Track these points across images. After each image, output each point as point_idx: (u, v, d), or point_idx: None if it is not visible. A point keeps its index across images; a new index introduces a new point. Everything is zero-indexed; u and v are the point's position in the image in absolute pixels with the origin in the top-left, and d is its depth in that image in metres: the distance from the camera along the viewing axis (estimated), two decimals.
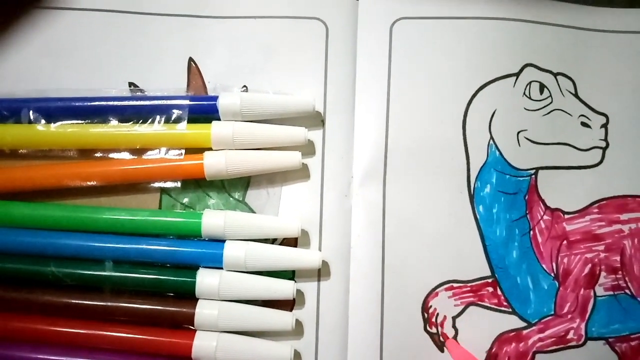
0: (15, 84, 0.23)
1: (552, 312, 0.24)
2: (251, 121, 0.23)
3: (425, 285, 0.24)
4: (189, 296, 0.22)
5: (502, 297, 0.24)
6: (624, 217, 0.24)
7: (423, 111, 0.24)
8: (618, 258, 0.24)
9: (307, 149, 0.24)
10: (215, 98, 0.23)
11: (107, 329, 0.21)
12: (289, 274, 0.23)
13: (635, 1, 0.26)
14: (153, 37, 0.25)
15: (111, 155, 0.23)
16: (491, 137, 0.24)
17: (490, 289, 0.24)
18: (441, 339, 0.23)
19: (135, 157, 0.23)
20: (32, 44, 0.24)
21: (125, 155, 0.23)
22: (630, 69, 0.26)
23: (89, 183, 0.22)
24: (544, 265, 0.24)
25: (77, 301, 0.22)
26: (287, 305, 0.23)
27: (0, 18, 0.24)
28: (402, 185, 0.24)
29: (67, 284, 0.22)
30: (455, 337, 0.23)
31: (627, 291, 0.24)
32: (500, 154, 0.24)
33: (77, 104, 0.23)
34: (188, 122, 0.23)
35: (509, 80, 0.25)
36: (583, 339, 0.23)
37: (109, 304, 0.22)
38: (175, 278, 0.22)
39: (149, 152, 0.23)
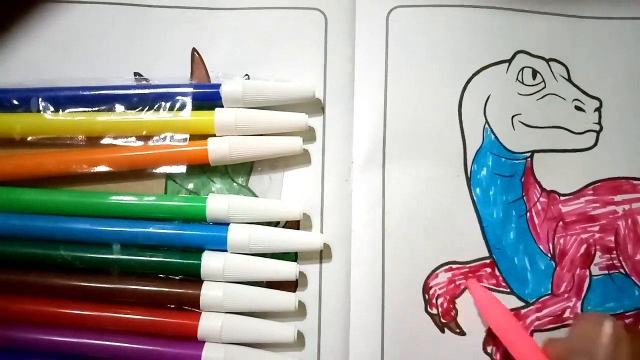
0: (24, 74, 0.24)
1: (549, 292, 0.24)
2: (253, 108, 0.24)
3: (425, 267, 0.24)
4: (195, 278, 0.23)
5: (500, 278, 0.24)
6: (617, 198, 0.25)
7: (420, 97, 0.25)
8: (612, 238, 0.25)
9: (308, 134, 0.25)
10: (218, 86, 0.24)
11: (115, 310, 0.22)
12: (292, 257, 0.24)
13: None
14: (158, 29, 0.25)
15: (118, 141, 0.23)
16: (486, 121, 0.25)
17: (489, 270, 0.24)
18: (442, 319, 0.24)
19: (142, 143, 0.23)
20: (41, 36, 0.25)
21: (132, 142, 0.23)
22: (622, 55, 0.26)
23: (96, 169, 0.23)
24: (540, 246, 0.25)
25: (85, 284, 0.22)
26: (290, 286, 0.23)
27: (10, 11, 0.25)
28: (401, 170, 0.25)
29: (76, 266, 0.22)
30: (455, 317, 0.24)
31: (621, 270, 0.24)
32: (496, 137, 0.25)
33: (84, 92, 0.24)
34: (192, 110, 0.23)
35: (502, 67, 0.25)
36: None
37: (116, 286, 0.22)
38: (181, 260, 0.23)
39: (155, 138, 0.23)
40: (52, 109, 0.23)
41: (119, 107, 0.23)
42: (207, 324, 0.22)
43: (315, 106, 0.25)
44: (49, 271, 0.22)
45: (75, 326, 0.22)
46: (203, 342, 0.22)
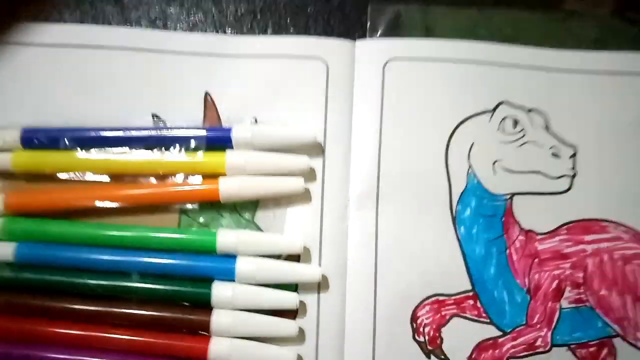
0: (52, 115, 0.27)
1: (524, 322, 0.27)
2: (260, 150, 0.26)
3: (413, 298, 0.27)
4: (205, 305, 0.25)
5: (482, 309, 0.27)
6: (588, 238, 0.28)
7: (411, 142, 0.28)
8: (581, 275, 0.27)
9: (309, 175, 0.27)
10: (229, 130, 0.26)
11: (133, 334, 0.24)
12: (293, 287, 0.26)
13: (598, 43, 0.29)
14: (174, 74, 0.28)
15: (137, 179, 0.26)
16: (470, 166, 0.28)
17: (471, 302, 0.27)
18: (428, 346, 0.26)
19: (158, 181, 0.26)
20: (66, 79, 0.27)
21: (150, 180, 0.26)
22: (596, 105, 0.29)
23: (117, 204, 0.25)
24: (518, 281, 0.27)
25: (107, 309, 0.24)
26: (290, 314, 0.26)
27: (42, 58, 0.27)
28: (393, 209, 0.27)
29: (98, 293, 0.25)
30: (441, 344, 0.26)
31: (587, 304, 0.27)
32: (479, 181, 0.28)
33: (107, 133, 0.26)
34: (205, 151, 0.26)
35: (485, 116, 0.28)
36: (549, 346, 0.27)
37: (135, 312, 0.25)
38: (193, 290, 0.25)
39: (171, 177, 0.26)
40: (78, 147, 0.25)
41: (139, 148, 0.26)
42: (217, 347, 0.24)
43: (316, 149, 0.27)
44: (73, 297, 0.25)
45: (97, 347, 0.24)
46: None
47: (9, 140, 0.26)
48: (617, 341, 0.27)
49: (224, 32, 0.29)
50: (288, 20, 0.29)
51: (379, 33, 0.29)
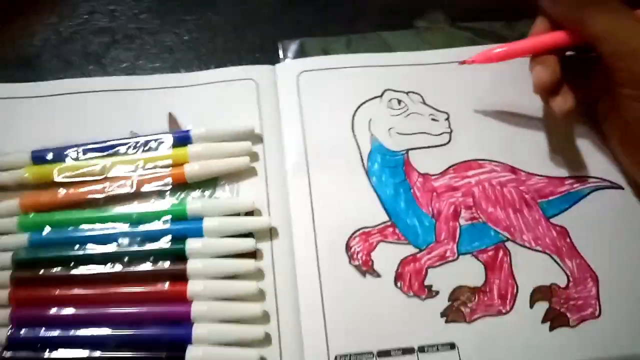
0: (55, 138, 0.35)
1: (434, 240, 0.34)
2: (215, 142, 0.35)
3: (345, 234, 0.34)
4: (182, 259, 0.32)
5: (400, 234, 0.34)
6: (470, 173, 0.36)
7: (325, 124, 0.37)
8: (471, 199, 0.36)
9: (253, 157, 0.36)
10: (189, 131, 0.35)
11: (127, 286, 0.31)
12: (250, 237, 0.33)
13: (445, 45, 0.41)
14: (145, 102, 0.37)
15: (122, 173, 0.34)
16: (372, 135, 0.37)
17: (391, 229, 0.34)
18: (363, 268, 0.33)
19: (140, 171, 0.34)
20: (66, 114, 0.37)
21: (132, 172, 0.34)
22: (454, 84, 0.39)
23: (108, 193, 0.33)
24: (423, 210, 0.35)
25: (105, 271, 0.31)
26: (251, 257, 0.33)
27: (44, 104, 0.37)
28: (320, 172, 0.36)
29: (97, 260, 0.31)
30: (372, 265, 0.33)
31: (480, 220, 0.35)
32: (380, 143, 0.37)
33: (97, 145, 0.35)
34: (172, 147, 0.35)
35: (376, 100, 0.38)
36: (456, 255, 0.34)
37: (128, 270, 0.31)
38: (171, 247, 0.32)
39: (147, 167, 0.34)
40: (76, 157, 0.34)
41: (122, 151, 0.34)
42: (193, 287, 0.31)
43: (257, 138, 0.37)
44: (77, 264, 0.31)
45: (103, 302, 0.30)
46: (191, 301, 0.31)
47: (23, 160, 0.34)
48: (509, 244, 0.34)
49: (179, 71, 0.39)
50: (225, 59, 0.40)
51: (290, 57, 0.40)
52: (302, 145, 0.37)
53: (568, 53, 0.36)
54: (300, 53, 0.40)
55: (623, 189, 0.36)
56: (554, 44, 0.34)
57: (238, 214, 0.34)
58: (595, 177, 0.37)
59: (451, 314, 0.32)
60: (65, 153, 0.34)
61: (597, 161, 0.37)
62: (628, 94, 0.32)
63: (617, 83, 0.32)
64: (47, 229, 0.32)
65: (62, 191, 0.33)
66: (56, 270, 0.31)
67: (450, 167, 0.37)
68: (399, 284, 0.33)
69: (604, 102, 0.36)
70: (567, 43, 0.34)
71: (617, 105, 0.33)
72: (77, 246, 0.32)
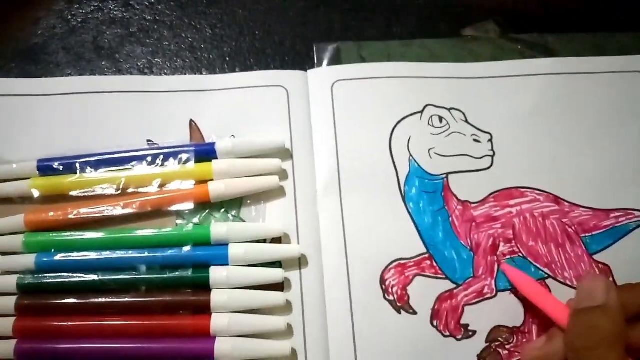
0: (65, 147, 0.32)
1: (472, 275, 0.32)
2: (241, 157, 0.32)
3: (380, 265, 0.32)
4: (205, 288, 0.29)
5: (437, 268, 0.32)
6: (511, 202, 0.34)
7: (360, 142, 0.34)
8: (511, 232, 0.33)
9: (282, 175, 0.33)
10: (213, 144, 0.32)
11: (144, 319, 0.28)
12: (278, 265, 0.31)
13: (492, 57, 0.38)
14: (164, 107, 0.34)
15: (140, 190, 0.31)
16: (410, 155, 0.34)
17: (429, 262, 0.32)
18: (397, 303, 0.31)
19: (159, 189, 0.31)
20: (77, 118, 0.33)
21: (151, 189, 0.31)
22: (501, 100, 0.37)
23: (124, 212, 0.30)
24: (462, 242, 0.33)
25: (120, 300, 0.28)
26: (278, 289, 0.30)
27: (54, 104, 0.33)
28: (353, 194, 0.33)
29: (111, 288, 0.29)
30: (408, 300, 0.31)
31: (519, 254, 0.33)
32: (419, 165, 0.34)
33: (111, 156, 0.31)
34: (195, 162, 0.32)
35: (416, 116, 0.35)
36: (495, 292, 0.32)
37: (145, 299, 0.29)
38: (194, 275, 0.29)
39: (168, 185, 0.31)
40: (88, 170, 0.31)
41: (139, 165, 0.31)
42: (217, 321, 0.28)
43: (286, 154, 0.34)
44: (89, 292, 0.28)
45: (114, 334, 0.28)
46: (214, 337, 0.28)
47: (28, 170, 0.31)
48: (549, 281, 0.32)
49: (200, 73, 0.36)
50: (252, 61, 0.37)
51: (325, 64, 0.37)
52: (334, 163, 0.34)
53: None
54: (336, 59, 0.37)
55: None
56: None
57: (264, 240, 0.31)
58: None
59: (488, 357, 0.30)
60: (75, 164, 0.31)
61: None
62: None
63: None
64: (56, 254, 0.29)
65: (72, 208, 0.30)
66: (66, 299, 0.28)
67: (490, 194, 0.34)
68: (435, 323, 0.31)
69: None
70: None
71: None
72: (88, 271, 0.29)
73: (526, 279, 0.31)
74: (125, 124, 0.33)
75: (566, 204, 0.34)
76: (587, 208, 0.34)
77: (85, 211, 0.30)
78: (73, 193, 0.30)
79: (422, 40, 0.38)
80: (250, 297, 0.29)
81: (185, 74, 0.36)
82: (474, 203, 0.34)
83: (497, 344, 0.31)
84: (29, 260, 0.29)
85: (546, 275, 0.33)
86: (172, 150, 0.32)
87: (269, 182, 0.32)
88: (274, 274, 0.30)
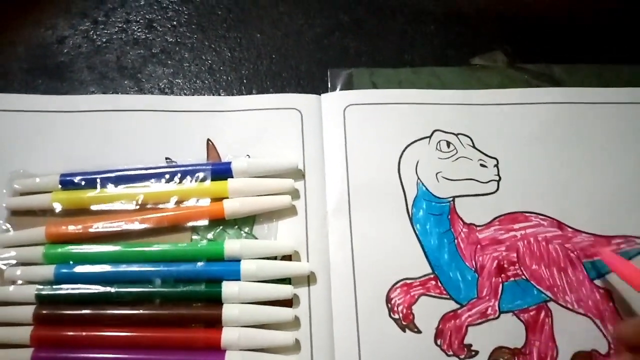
0: (86, 163, 0.33)
1: (476, 296, 0.33)
2: (255, 177, 0.33)
3: (386, 284, 0.33)
4: (217, 302, 0.30)
5: (442, 288, 0.33)
6: (516, 226, 0.35)
7: (370, 164, 0.36)
8: (515, 255, 0.34)
9: (294, 194, 0.34)
10: (229, 163, 0.33)
11: (157, 331, 0.29)
12: (288, 282, 0.32)
13: (500, 85, 0.39)
14: (182, 126, 0.35)
15: (158, 206, 0.32)
16: (418, 178, 0.36)
17: (434, 282, 0.33)
18: (402, 322, 0.32)
19: (176, 205, 0.32)
20: (98, 135, 0.35)
21: (168, 206, 0.32)
22: (507, 127, 0.38)
23: (142, 227, 0.31)
24: (467, 263, 0.34)
25: (135, 312, 0.29)
26: (287, 304, 0.31)
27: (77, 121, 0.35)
28: (362, 215, 0.34)
29: (127, 300, 0.30)
30: (413, 319, 0.32)
31: (523, 277, 0.34)
32: (426, 188, 0.35)
33: (130, 173, 0.33)
34: (211, 180, 0.33)
35: (424, 141, 0.37)
36: (497, 313, 0.33)
37: (159, 312, 0.30)
38: (207, 289, 0.30)
39: (185, 202, 0.32)
40: (108, 185, 0.32)
41: (157, 182, 0.32)
42: (228, 335, 0.29)
43: (298, 174, 0.35)
44: (105, 304, 0.30)
45: (128, 345, 0.29)
46: (225, 351, 0.29)
47: (50, 183, 0.32)
48: (551, 304, 0.33)
49: (219, 94, 0.37)
50: (268, 84, 0.38)
51: (338, 88, 0.38)
52: (344, 184, 0.35)
53: None
54: (349, 84, 0.38)
55: None
56: None
57: (275, 257, 0.32)
58: None
59: None
60: (96, 179, 0.32)
61: None
62: None
63: None
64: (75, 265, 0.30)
65: (91, 222, 0.31)
66: (82, 309, 0.29)
67: (495, 218, 0.35)
68: (439, 342, 0.32)
69: None
70: None
71: None
72: (105, 284, 0.30)
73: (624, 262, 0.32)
74: (145, 142, 0.35)
75: (569, 229, 0.35)
76: (589, 234, 0.35)
77: (104, 225, 0.31)
78: (93, 207, 0.32)
79: (432, 67, 0.39)
80: (261, 312, 0.30)
81: (204, 95, 0.37)
82: (479, 226, 0.35)
83: None
84: (48, 271, 0.30)
85: (548, 298, 0.33)
86: (190, 168, 0.33)
87: (281, 201, 0.33)
88: (284, 290, 0.31)
